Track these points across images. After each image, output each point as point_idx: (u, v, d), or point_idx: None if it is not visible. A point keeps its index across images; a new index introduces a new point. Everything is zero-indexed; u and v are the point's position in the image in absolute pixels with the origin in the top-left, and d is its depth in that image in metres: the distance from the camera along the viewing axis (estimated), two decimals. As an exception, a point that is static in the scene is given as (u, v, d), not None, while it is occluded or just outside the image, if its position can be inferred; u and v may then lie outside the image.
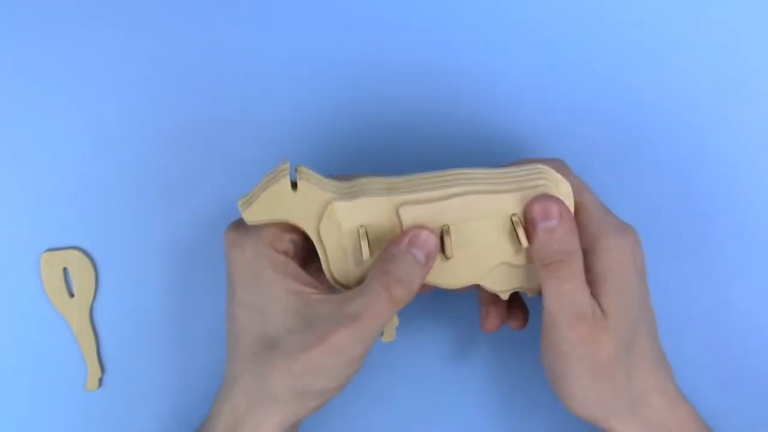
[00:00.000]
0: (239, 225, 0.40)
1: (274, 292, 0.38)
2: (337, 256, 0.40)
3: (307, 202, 0.40)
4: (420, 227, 0.39)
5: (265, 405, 0.39)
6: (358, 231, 0.40)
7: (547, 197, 0.39)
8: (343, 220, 0.40)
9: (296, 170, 0.41)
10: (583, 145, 0.49)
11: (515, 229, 0.40)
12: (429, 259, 0.39)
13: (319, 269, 0.41)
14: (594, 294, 0.39)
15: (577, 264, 0.39)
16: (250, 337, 0.39)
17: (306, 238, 0.40)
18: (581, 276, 0.39)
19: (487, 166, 0.42)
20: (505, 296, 0.42)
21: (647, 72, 0.49)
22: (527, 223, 0.39)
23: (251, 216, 0.39)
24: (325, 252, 0.40)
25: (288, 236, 0.40)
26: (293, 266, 0.39)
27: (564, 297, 0.39)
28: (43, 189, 0.48)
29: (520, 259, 0.41)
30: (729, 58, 0.49)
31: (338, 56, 0.48)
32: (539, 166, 0.42)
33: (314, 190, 0.40)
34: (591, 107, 0.49)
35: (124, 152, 0.48)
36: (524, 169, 0.41)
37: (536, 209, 0.39)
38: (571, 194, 0.41)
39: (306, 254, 0.42)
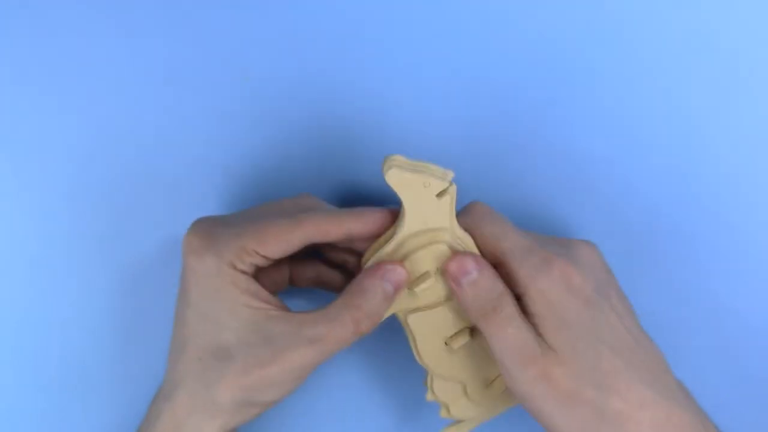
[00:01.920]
0: (201, 233, 0.40)
1: (232, 305, 0.39)
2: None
3: (435, 219, 0.39)
4: (393, 262, 0.40)
5: (208, 412, 0.39)
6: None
7: (460, 255, 0.40)
8: None
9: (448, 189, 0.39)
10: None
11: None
12: (396, 293, 0.40)
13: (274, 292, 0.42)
14: (538, 333, 0.39)
15: (510, 306, 0.39)
16: (200, 343, 0.39)
17: (273, 264, 0.41)
18: (518, 316, 0.39)
19: None
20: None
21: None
22: (450, 282, 0.40)
23: (392, 178, 0.38)
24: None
25: (249, 259, 0.40)
26: (254, 284, 0.40)
27: (508, 341, 0.39)
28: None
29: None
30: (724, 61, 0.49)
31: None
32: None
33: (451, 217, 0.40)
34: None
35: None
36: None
37: (453, 267, 0.39)
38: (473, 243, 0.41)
39: (264, 279, 0.42)
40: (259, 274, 0.42)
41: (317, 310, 0.40)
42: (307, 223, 0.40)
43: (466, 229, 0.40)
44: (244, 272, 0.40)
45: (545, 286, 0.39)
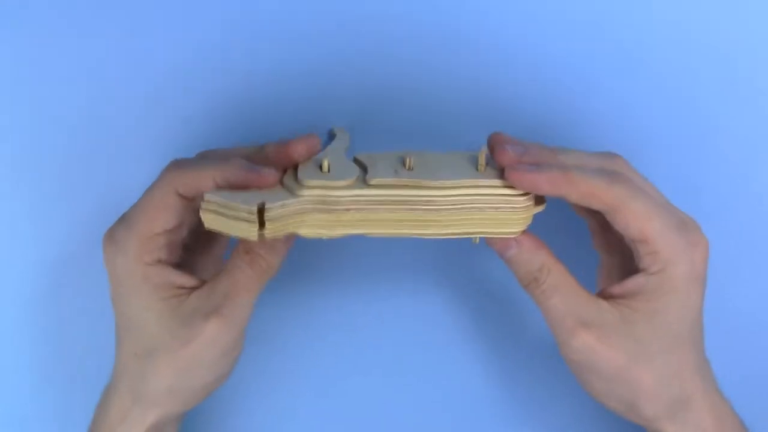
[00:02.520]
0: (111, 236, 0.41)
1: (148, 302, 0.40)
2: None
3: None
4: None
5: (148, 401, 0.41)
6: None
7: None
8: None
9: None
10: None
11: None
12: None
13: (203, 253, 0.43)
14: (627, 306, 0.39)
15: (554, 277, 0.40)
16: (131, 341, 0.41)
17: (191, 229, 0.42)
18: (566, 286, 0.40)
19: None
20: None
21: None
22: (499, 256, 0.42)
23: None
24: None
25: (152, 245, 0.40)
26: (165, 272, 0.40)
27: (554, 310, 0.40)
28: None
29: None
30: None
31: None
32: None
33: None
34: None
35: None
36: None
37: (498, 244, 0.42)
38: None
39: (191, 242, 0.43)
40: (187, 252, 0.42)
41: (220, 271, 0.40)
42: (176, 181, 0.40)
43: (611, 202, 0.39)
44: (153, 263, 0.40)
45: (680, 270, 0.39)
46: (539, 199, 0.43)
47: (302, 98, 0.48)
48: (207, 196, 0.39)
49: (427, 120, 0.48)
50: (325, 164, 0.41)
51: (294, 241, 0.42)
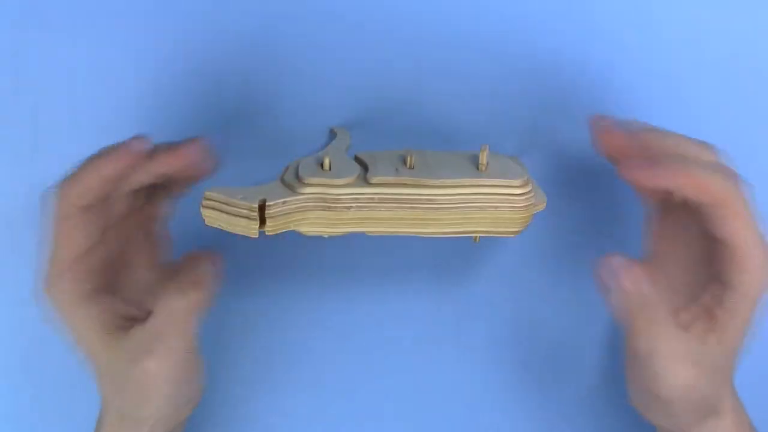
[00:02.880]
0: (44, 282, 0.38)
1: (96, 336, 0.39)
2: None
3: None
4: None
5: (133, 427, 0.41)
6: None
7: (610, 258, 0.40)
8: None
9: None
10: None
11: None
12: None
13: (131, 267, 0.42)
14: (709, 328, 0.39)
15: (658, 312, 0.39)
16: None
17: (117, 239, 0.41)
18: (667, 321, 0.39)
19: None
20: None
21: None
22: (600, 284, 0.41)
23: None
24: None
25: (85, 264, 0.38)
26: (106, 301, 0.39)
27: (658, 346, 0.39)
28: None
29: None
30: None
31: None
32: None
33: None
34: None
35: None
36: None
37: (602, 271, 0.40)
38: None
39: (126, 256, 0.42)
40: (125, 269, 0.41)
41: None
42: (66, 193, 0.38)
43: (722, 199, 0.38)
44: (90, 293, 0.39)
45: (759, 289, 0.38)
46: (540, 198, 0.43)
47: (303, 98, 0.48)
48: (207, 193, 0.39)
49: (428, 119, 0.48)
50: (326, 162, 0.41)
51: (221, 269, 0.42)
